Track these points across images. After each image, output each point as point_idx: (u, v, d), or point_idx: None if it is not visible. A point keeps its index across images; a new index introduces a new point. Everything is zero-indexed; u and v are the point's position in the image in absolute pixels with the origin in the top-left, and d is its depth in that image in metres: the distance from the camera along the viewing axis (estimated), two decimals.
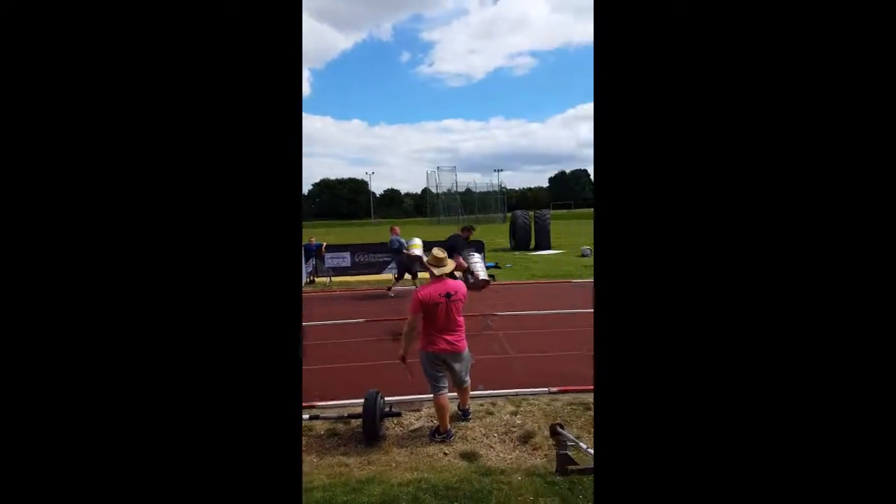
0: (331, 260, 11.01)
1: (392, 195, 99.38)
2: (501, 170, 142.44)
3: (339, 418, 3.63)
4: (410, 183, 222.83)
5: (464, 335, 3.40)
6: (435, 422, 3.50)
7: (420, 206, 69.96)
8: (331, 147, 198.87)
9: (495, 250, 16.32)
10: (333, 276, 10.92)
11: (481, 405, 3.83)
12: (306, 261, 10.71)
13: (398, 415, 3.58)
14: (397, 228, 9.14)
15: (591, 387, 4.11)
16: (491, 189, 43.31)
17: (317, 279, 11.02)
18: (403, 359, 3.39)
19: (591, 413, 3.67)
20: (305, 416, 3.66)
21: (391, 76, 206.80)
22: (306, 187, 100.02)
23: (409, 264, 8.46)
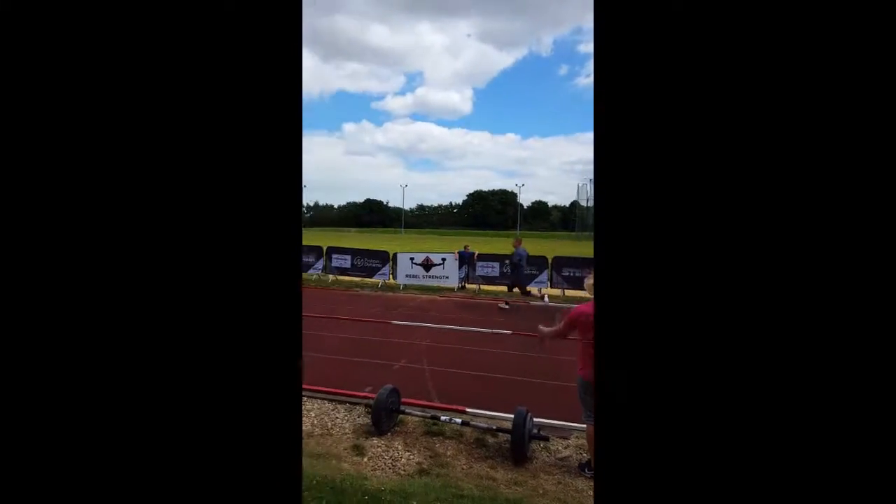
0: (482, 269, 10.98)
1: (539, 207, 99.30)
2: None
3: (488, 429, 3.65)
4: (558, 195, 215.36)
5: None
6: (584, 454, 3.34)
7: (567, 219, 69.88)
8: (485, 160, 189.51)
9: None
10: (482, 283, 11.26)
11: None
12: (460, 267, 11.13)
13: (546, 439, 3.46)
14: (520, 241, 9.42)
15: None
16: None
17: (467, 285, 11.46)
18: (542, 339, 3.38)
19: None
20: (458, 421, 3.72)
21: (548, 89, 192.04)
22: (460, 198, 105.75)
23: (518, 278, 9.05)
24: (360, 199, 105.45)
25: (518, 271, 9.13)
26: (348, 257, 12.08)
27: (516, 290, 9.17)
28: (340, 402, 4.23)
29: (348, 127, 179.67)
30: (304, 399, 4.29)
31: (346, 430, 3.72)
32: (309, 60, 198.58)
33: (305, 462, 3.18)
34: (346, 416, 3.99)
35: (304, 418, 3.91)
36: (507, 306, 8.92)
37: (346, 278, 11.94)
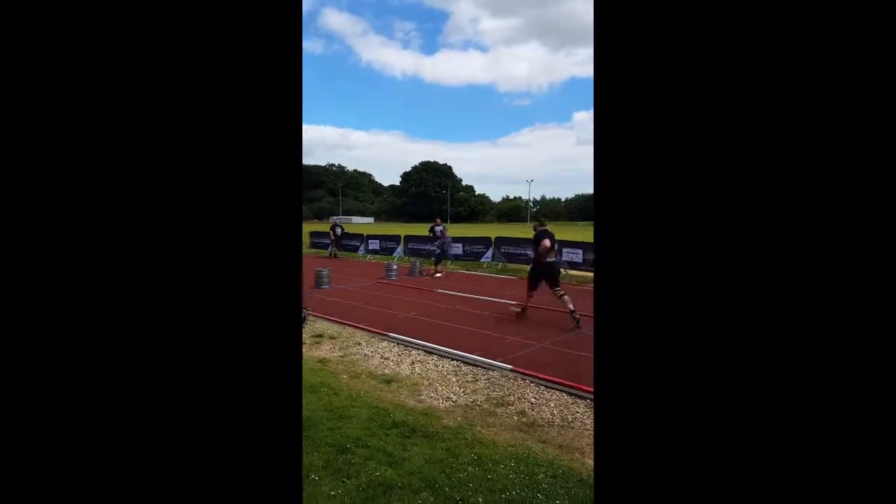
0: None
1: None
2: None
3: None
4: None
5: None
6: None
7: None
8: None
9: None
10: None
11: None
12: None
13: None
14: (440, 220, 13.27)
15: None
16: None
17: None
18: None
19: None
20: None
21: None
22: None
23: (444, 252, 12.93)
24: (589, 190, 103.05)
25: (443, 249, 12.84)
26: (580, 251, 11.96)
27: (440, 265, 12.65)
28: (580, 397, 4.25)
29: (579, 116, 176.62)
30: (543, 388, 4.44)
31: (587, 426, 3.72)
32: (537, 53, 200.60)
33: (550, 451, 3.30)
34: (585, 411, 3.99)
35: (543, 407, 4.06)
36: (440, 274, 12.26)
37: (577, 273, 11.84)
